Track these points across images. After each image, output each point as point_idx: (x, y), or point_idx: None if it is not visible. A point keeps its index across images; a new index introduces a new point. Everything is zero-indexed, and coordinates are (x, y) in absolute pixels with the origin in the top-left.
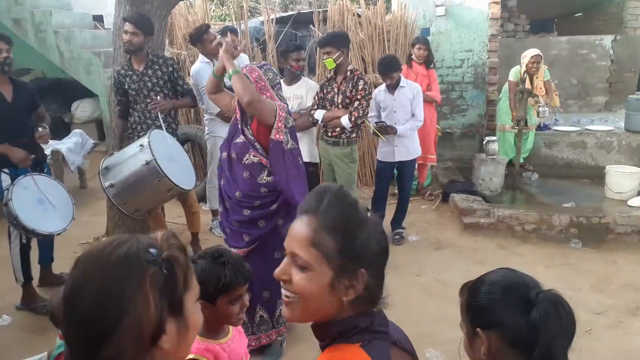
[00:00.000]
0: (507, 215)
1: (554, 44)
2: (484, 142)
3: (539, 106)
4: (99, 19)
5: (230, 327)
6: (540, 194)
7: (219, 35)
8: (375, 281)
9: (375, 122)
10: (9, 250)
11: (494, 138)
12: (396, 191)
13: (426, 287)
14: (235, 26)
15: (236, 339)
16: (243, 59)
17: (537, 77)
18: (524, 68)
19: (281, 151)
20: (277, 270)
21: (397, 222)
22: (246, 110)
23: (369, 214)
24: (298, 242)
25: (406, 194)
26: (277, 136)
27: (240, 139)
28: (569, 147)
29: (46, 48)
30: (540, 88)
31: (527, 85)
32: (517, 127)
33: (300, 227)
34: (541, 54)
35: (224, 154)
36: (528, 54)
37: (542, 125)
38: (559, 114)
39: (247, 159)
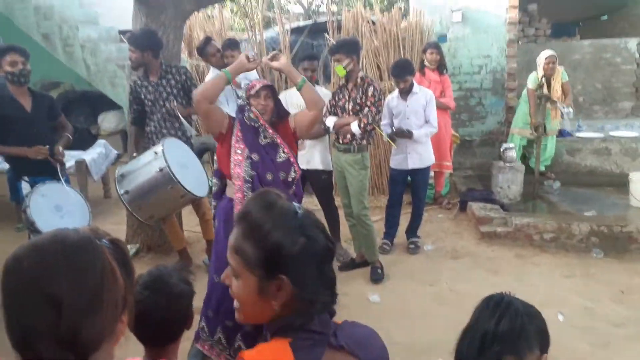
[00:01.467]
0: (525, 223)
1: (576, 48)
2: (502, 149)
3: (562, 107)
4: (127, 33)
5: None
6: (561, 202)
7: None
8: (302, 286)
9: (392, 128)
10: None
11: (511, 145)
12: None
13: (440, 296)
14: (252, 37)
15: None
16: (253, 73)
17: (554, 79)
18: (540, 72)
19: None
20: (222, 275)
21: (411, 230)
22: (314, 119)
23: (297, 215)
24: (228, 250)
25: (420, 202)
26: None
27: (282, 157)
28: (593, 154)
29: (73, 61)
30: (557, 90)
31: (545, 89)
32: (535, 134)
33: (230, 235)
34: (555, 54)
35: (270, 176)
36: (542, 56)
37: (564, 131)
38: (583, 120)
39: (290, 177)
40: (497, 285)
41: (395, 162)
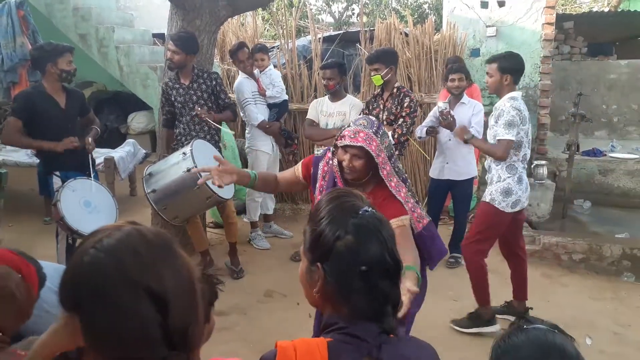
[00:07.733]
0: (554, 242)
1: (613, 67)
2: (532, 166)
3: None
4: (161, 36)
5: None
6: (591, 222)
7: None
8: (335, 284)
9: (441, 111)
10: (55, 250)
11: (542, 162)
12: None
13: (463, 312)
14: (284, 44)
15: None
16: (273, 74)
17: None
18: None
19: None
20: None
21: (452, 245)
22: None
23: (358, 215)
24: None
25: (459, 217)
26: None
27: None
28: (626, 175)
29: (107, 62)
30: None
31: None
32: (567, 152)
33: None
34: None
35: None
36: None
37: (596, 150)
38: (617, 140)
39: None
40: None
41: (433, 171)
